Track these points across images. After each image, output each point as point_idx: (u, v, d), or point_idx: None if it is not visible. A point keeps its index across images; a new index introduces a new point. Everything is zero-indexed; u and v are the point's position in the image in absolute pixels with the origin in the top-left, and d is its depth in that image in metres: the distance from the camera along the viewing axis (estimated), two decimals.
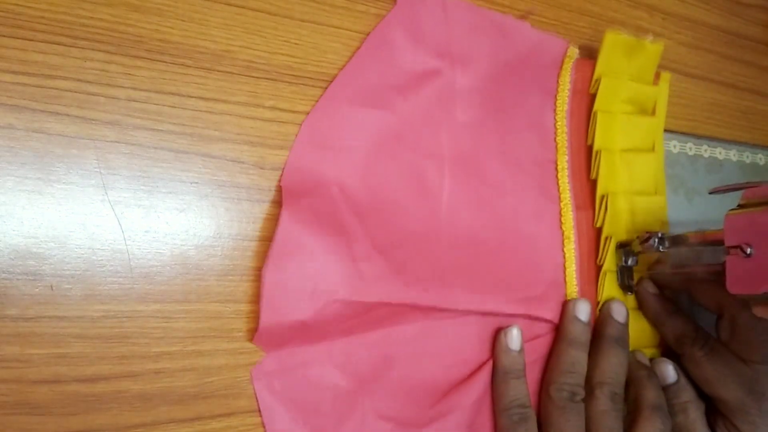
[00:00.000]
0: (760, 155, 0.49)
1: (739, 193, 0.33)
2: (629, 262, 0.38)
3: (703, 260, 0.35)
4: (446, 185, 0.34)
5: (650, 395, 0.35)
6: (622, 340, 0.36)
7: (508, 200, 0.36)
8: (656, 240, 0.35)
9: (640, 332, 0.39)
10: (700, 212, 0.44)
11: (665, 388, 0.36)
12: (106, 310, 0.27)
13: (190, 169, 0.29)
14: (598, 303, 0.37)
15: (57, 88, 0.27)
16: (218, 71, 0.30)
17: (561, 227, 0.37)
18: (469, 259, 0.34)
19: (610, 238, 0.37)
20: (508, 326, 0.34)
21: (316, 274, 0.30)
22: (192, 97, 0.29)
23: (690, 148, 0.45)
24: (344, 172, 0.31)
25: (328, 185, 0.30)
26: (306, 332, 0.30)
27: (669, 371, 0.37)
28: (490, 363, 0.34)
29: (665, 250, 0.35)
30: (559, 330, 0.36)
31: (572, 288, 0.37)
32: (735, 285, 0.31)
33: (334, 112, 0.32)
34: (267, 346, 0.30)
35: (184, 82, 0.29)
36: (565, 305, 0.36)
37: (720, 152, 0.47)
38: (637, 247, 0.37)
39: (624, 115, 0.39)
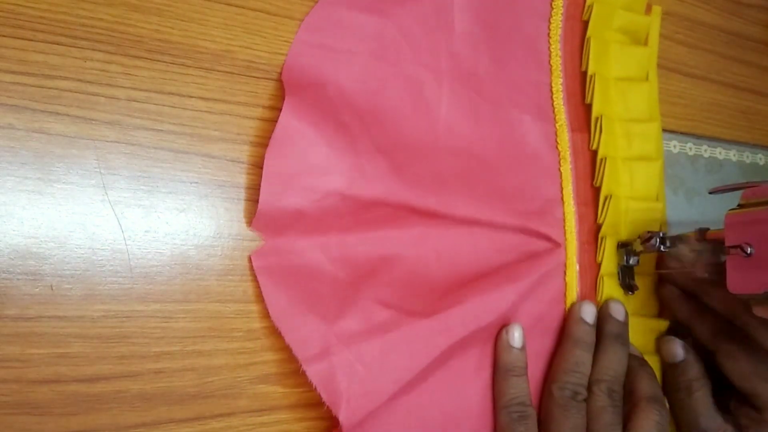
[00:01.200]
0: (760, 155, 0.49)
1: (739, 193, 0.33)
2: (630, 262, 0.38)
3: (704, 260, 0.35)
4: (444, 97, 0.34)
5: (645, 386, 0.35)
6: (621, 337, 0.36)
7: (505, 117, 0.36)
8: (657, 240, 0.35)
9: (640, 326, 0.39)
10: (700, 212, 0.44)
11: (672, 366, 0.37)
12: (106, 310, 0.27)
13: (190, 169, 0.29)
14: (597, 292, 0.38)
15: (57, 88, 0.27)
16: (218, 71, 0.30)
17: (557, 147, 0.37)
18: (468, 169, 0.34)
19: (605, 159, 0.37)
20: (509, 324, 0.34)
21: (317, 164, 0.30)
22: (192, 97, 0.29)
23: (690, 148, 0.45)
24: (342, 75, 0.31)
25: (326, 85, 0.31)
26: (304, 223, 0.30)
27: (677, 350, 0.37)
28: (496, 273, 0.34)
29: (666, 250, 0.35)
30: (564, 331, 0.36)
31: (570, 207, 0.37)
32: (735, 285, 0.31)
33: (332, 14, 0.32)
34: (265, 233, 0.30)
35: (184, 82, 0.29)
36: (571, 307, 0.36)
37: (720, 152, 0.47)
38: (638, 247, 0.37)
39: (617, 44, 0.39)
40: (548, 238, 0.36)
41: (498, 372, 0.34)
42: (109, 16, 0.28)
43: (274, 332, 0.30)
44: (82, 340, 0.27)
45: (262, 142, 0.31)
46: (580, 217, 0.37)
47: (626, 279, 0.38)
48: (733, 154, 0.47)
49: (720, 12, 0.48)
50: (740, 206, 0.33)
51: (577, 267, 0.37)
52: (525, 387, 0.34)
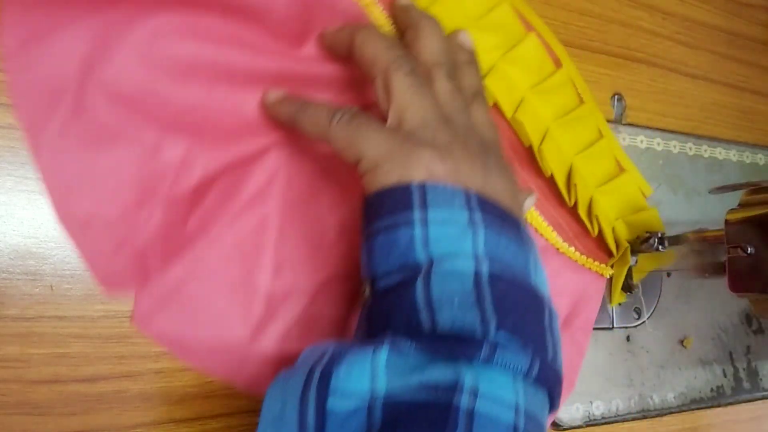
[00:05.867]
0: (760, 155, 0.49)
1: (739, 193, 0.33)
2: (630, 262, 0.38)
3: (703, 260, 0.36)
4: None
5: (431, 48, 0.28)
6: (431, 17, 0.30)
7: None
8: (656, 240, 0.35)
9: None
10: (700, 212, 0.44)
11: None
12: (106, 310, 0.27)
13: None
14: None
15: None
16: None
17: None
18: None
19: None
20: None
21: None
22: None
23: (690, 148, 0.45)
24: None
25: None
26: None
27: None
28: None
29: (665, 250, 0.35)
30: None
31: None
32: (735, 285, 0.31)
33: None
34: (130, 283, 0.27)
35: None
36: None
37: (720, 152, 0.47)
38: (637, 247, 0.37)
39: None
40: None
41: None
42: None
43: None
44: (82, 340, 0.27)
45: None
46: None
47: (626, 279, 0.38)
48: (733, 154, 0.47)
49: (720, 12, 0.48)
50: (740, 206, 0.33)
51: None
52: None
